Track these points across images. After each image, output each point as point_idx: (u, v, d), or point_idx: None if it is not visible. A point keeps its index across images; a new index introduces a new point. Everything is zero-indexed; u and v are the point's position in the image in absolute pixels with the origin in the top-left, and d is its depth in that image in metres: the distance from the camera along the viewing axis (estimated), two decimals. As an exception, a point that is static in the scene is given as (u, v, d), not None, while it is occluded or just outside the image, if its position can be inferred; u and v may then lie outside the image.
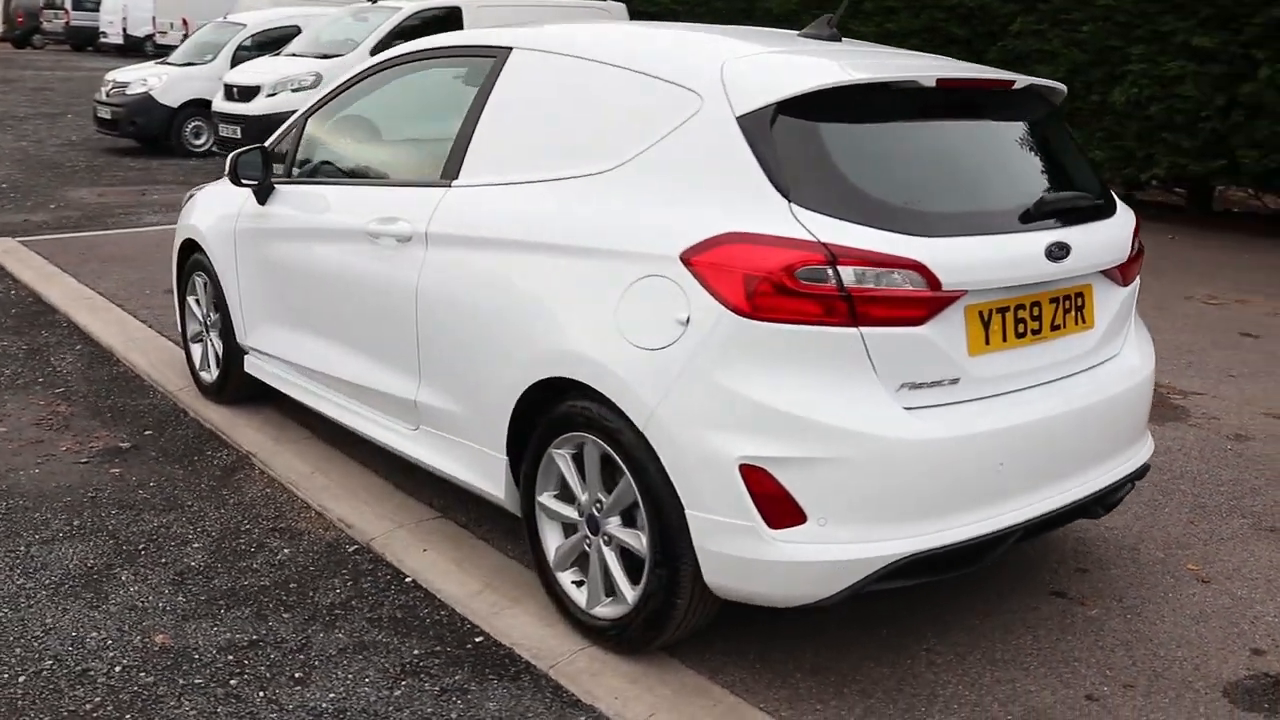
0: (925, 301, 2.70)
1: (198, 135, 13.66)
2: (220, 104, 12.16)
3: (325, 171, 4.31)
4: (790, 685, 2.98)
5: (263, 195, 4.42)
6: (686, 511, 2.75)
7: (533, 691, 2.98)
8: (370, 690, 2.99)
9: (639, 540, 2.91)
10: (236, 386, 4.93)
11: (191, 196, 5.26)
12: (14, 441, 4.73)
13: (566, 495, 3.17)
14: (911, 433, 2.69)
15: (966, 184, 2.97)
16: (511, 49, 3.52)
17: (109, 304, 6.73)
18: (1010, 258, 2.86)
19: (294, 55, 12.55)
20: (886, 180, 2.83)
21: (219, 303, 4.86)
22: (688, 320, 2.73)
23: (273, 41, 14.43)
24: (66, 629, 3.28)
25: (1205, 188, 11.04)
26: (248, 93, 11.80)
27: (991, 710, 2.89)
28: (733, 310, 2.67)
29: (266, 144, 4.51)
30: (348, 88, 4.23)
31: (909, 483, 2.71)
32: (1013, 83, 3.17)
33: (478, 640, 3.23)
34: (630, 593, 2.97)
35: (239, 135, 11.78)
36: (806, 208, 2.70)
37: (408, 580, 3.58)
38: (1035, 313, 2.98)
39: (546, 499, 3.20)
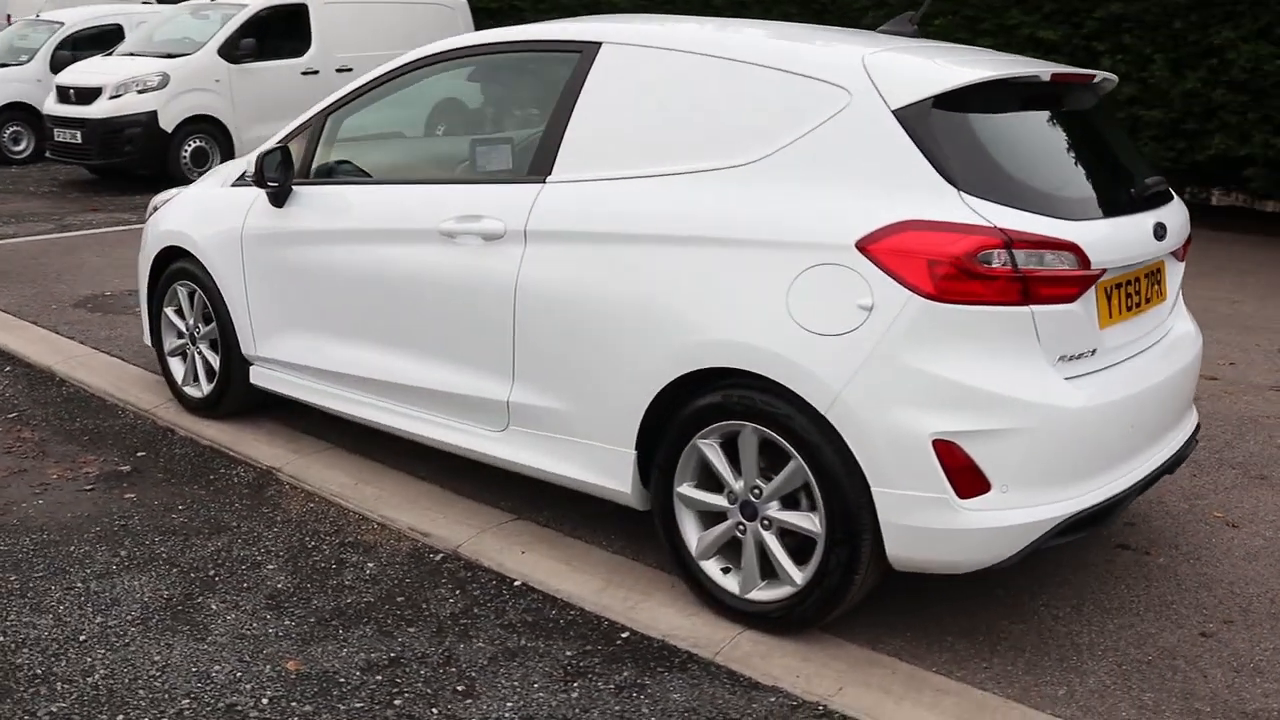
0: (1080, 280, 2.90)
1: (17, 141, 12.65)
2: (53, 107, 11.29)
3: (362, 172, 4.17)
4: (947, 648, 3.13)
5: (281, 198, 4.23)
6: (873, 489, 2.86)
7: (709, 679, 3.01)
8: (546, 695, 2.95)
9: (811, 521, 2.99)
10: (236, 400, 4.69)
11: (165, 202, 4.96)
12: (-8, 473, 4.36)
13: (709, 485, 3.21)
14: (1074, 401, 2.89)
15: (1081, 170, 3.19)
16: (600, 44, 3.51)
17: (21, 321, 6.23)
18: (1133, 238, 3.10)
19: (132, 55, 11.79)
20: (1029, 168, 3.01)
21: (212, 313, 4.60)
22: (871, 306, 2.83)
23: (91, 40, 13.53)
24: (183, 665, 3.08)
25: None
26: (87, 95, 11.01)
27: (1130, 654, 3.13)
28: (919, 294, 2.79)
29: (271, 145, 4.32)
30: (379, 85, 4.08)
31: (1072, 447, 2.91)
32: (1093, 76, 3.42)
33: (624, 636, 3.23)
34: (798, 573, 3.05)
35: (79, 140, 11.01)
36: (974, 195, 2.85)
37: (517, 584, 3.52)
38: (1137, 288, 3.24)
39: (686, 489, 3.23)
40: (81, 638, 3.20)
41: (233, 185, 4.58)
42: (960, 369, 2.80)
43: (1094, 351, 3.02)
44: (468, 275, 3.62)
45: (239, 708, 2.89)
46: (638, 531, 3.76)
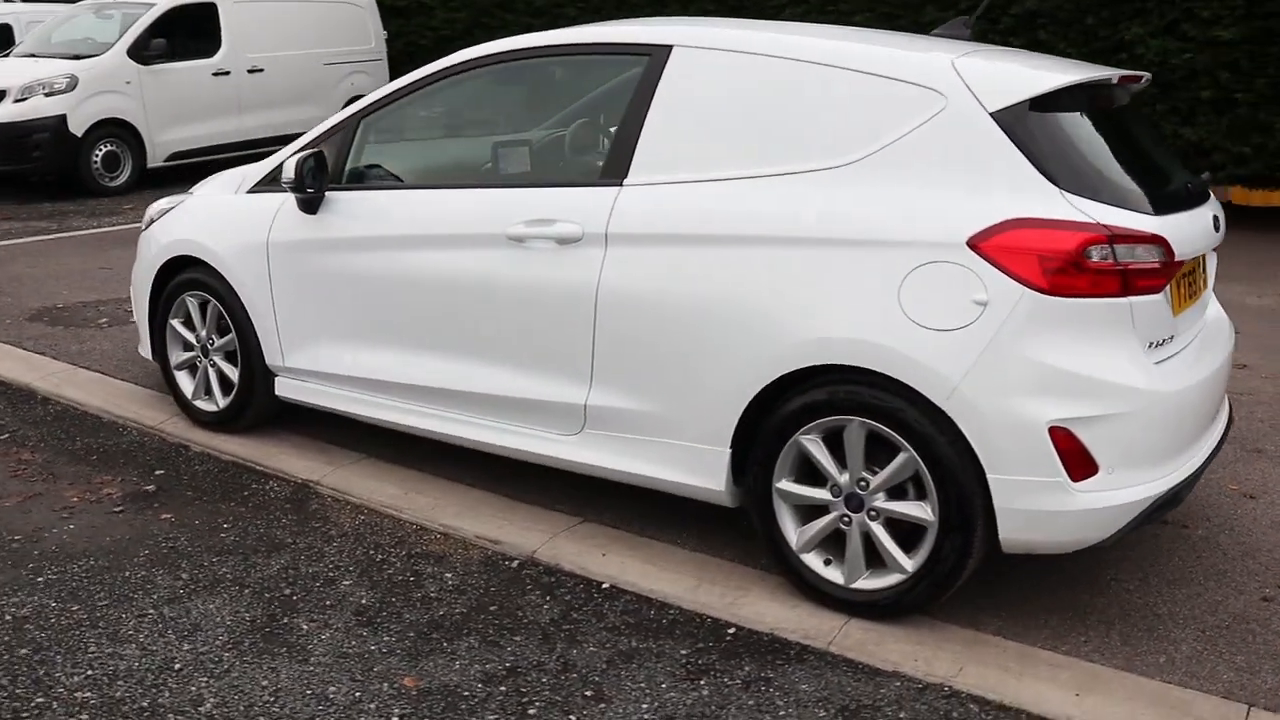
0: (1167, 271, 3.06)
1: (-98, 147, 11.90)
2: (-52, 110, 10.67)
3: (403, 177, 4.10)
4: (1044, 625, 3.27)
5: (315, 205, 4.13)
6: (989, 476, 2.97)
7: (829, 668, 3.08)
8: (677, 694, 2.97)
9: (923, 510, 3.08)
10: (258, 413, 4.57)
11: (164, 211, 4.78)
12: (4, 498, 4.14)
13: (806, 479, 3.29)
14: (1168, 385, 3.06)
15: (1146, 166, 3.36)
16: (671, 47, 3.54)
17: (-18, 339, 5.92)
18: (1200, 229, 3.28)
19: (32, 56, 11.22)
20: (1111, 166, 3.16)
21: (230, 325, 4.47)
22: (986, 301, 2.94)
23: (-27, 40, 12.85)
24: (295, 688, 3.00)
25: None
26: (-13, 97, 10.45)
27: (1207, 620, 3.31)
28: (1032, 288, 2.91)
29: (303, 149, 4.23)
30: (421, 88, 4.01)
31: (1164, 429, 3.07)
32: (1141, 77, 3.61)
33: (731, 632, 3.27)
34: (908, 561, 3.14)
35: (-20, 145, 10.44)
36: (1073, 193, 2.98)
37: (606, 586, 3.53)
38: (1194, 278, 3.43)
39: (785, 485, 3.29)
40: (176, 666, 3.10)
41: (249, 192, 4.46)
42: (1071, 358, 2.93)
43: (1171, 338, 3.20)
44: (540, 279, 3.61)
45: None
46: (708, 529, 3.81)
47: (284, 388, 4.44)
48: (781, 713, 2.89)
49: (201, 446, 4.62)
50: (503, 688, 3.01)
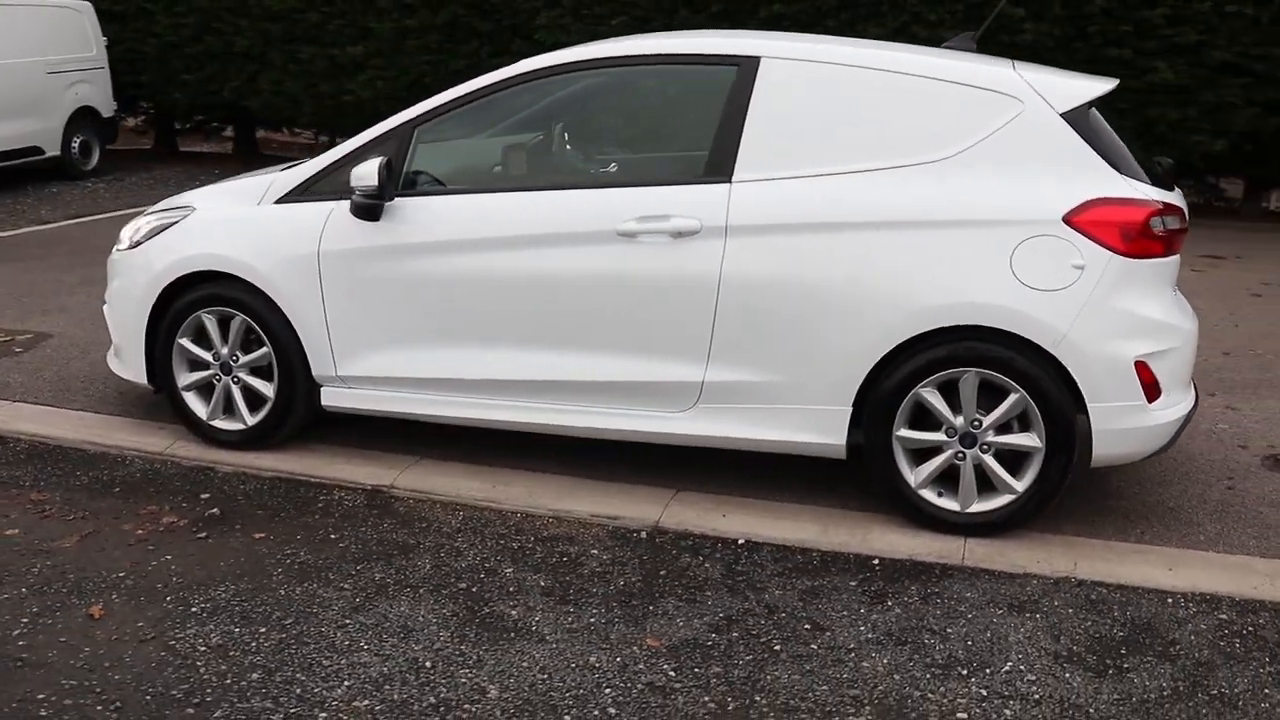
0: (1183, 233, 3.92)
1: None
2: None
3: (480, 181, 4.25)
4: (1105, 527, 4.05)
5: (377, 212, 4.20)
6: (1089, 405, 3.69)
7: (976, 578, 3.70)
8: (879, 615, 3.47)
9: (1032, 439, 3.77)
10: (295, 427, 4.53)
11: (151, 231, 4.57)
12: (53, 540, 3.90)
13: (921, 425, 3.88)
14: (1193, 324, 3.94)
15: (1134, 153, 4.22)
16: (759, 59, 3.98)
17: None
18: (1181, 200, 4.19)
19: None
20: (1130, 154, 3.97)
21: (264, 338, 4.40)
22: (1083, 265, 3.66)
23: None
24: (559, 664, 3.21)
25: None
26: None
27: (1205, 506, 4.22)
28: (1116, 253, 3.67)
29: (339, 156, 4.27)
30: (488, 95, 4.19)
31: (1191, 358, 3.95)
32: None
33: (877, 563, 3.81)
34: (1018, 484, 3.82)
35: None
36: (1128, 176, 3.77)
37: (741, 542, 3.94)
38: (1176, 239, 4.34)
39: (904, 432, 3.87)
40: (427, 664, 3.21)
41: (277, 203, 4.41)
42: (1144, 306, 3.72)
43: (1176, 289, 4.08)
44: (654, 270, 3.95)
45: (656, 683, 3.13)
46: (797, 483, 4.31)
47: (332, 397, 4.44)
48: (968, 615, 3.48)
49: (231, 466, 4.51)
50: (734, 633, 3.39)
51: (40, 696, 3.01)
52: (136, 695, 3.02)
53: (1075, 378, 3.70)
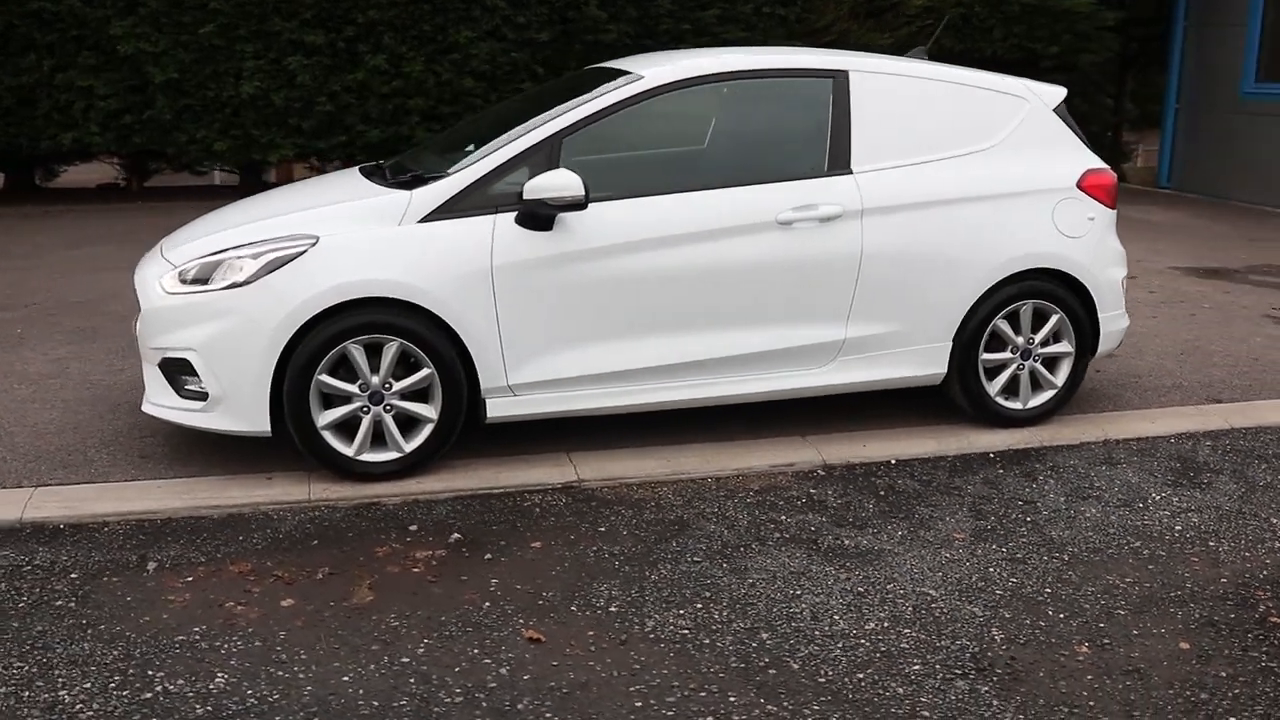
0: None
1: None
2: None
3: (637, 186, 4.54)
4: (1105, 406, 5.53)
5: (550, 222, 4.39)
6: (1100, 315, 5.15)
7: (1053, 453, 4.97)
8: (1051, 486, 4.62)
9: (1066, 346, 5.12)
10: (450, 446, 4.51)
11: (266, 266, 4.25)
12: (347, 598, 3.69)
13: (995, 348, 5.06)
14: (1112, 253, 5.60)
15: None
16: (848, 71, 4.85)
17: None
18: None
19: None
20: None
21: (425, 360, 4.34)
22: (1093, 217, 5.09)
23: None
24: (929, 567, 3.95)
25: (256, 168, 12.98)
26: None
27: (1176, 383, 5.94)
28: (1106, 207, 5.15)
29: (486, 171, 4.39)
30: (624, 107, 4.54)
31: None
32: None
33: (993, 456, 4.92)
34: (1057, 380, 5.16)
35: None
36: (1092, 151, 5.27)
37: (893, 462, 4.83)
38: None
39: (985, 355, 5.02)
40: (849, 584, 3.77)
41: (422, 221, 4.36)
42: (1117, 243, 5.27)
43: None
44: (807, 251, 4.68)
45: (1024, 591, 3.95)
46: (874, 415, 5.26)
47: (499, 408, 4.50)
48: (1075, 472, 4.76)
49: (398, 497, 4.38)
50: (991, 519, 4.33)
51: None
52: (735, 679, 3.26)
53: (1094, 297, 5.14)
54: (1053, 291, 5.07)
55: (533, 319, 4.44)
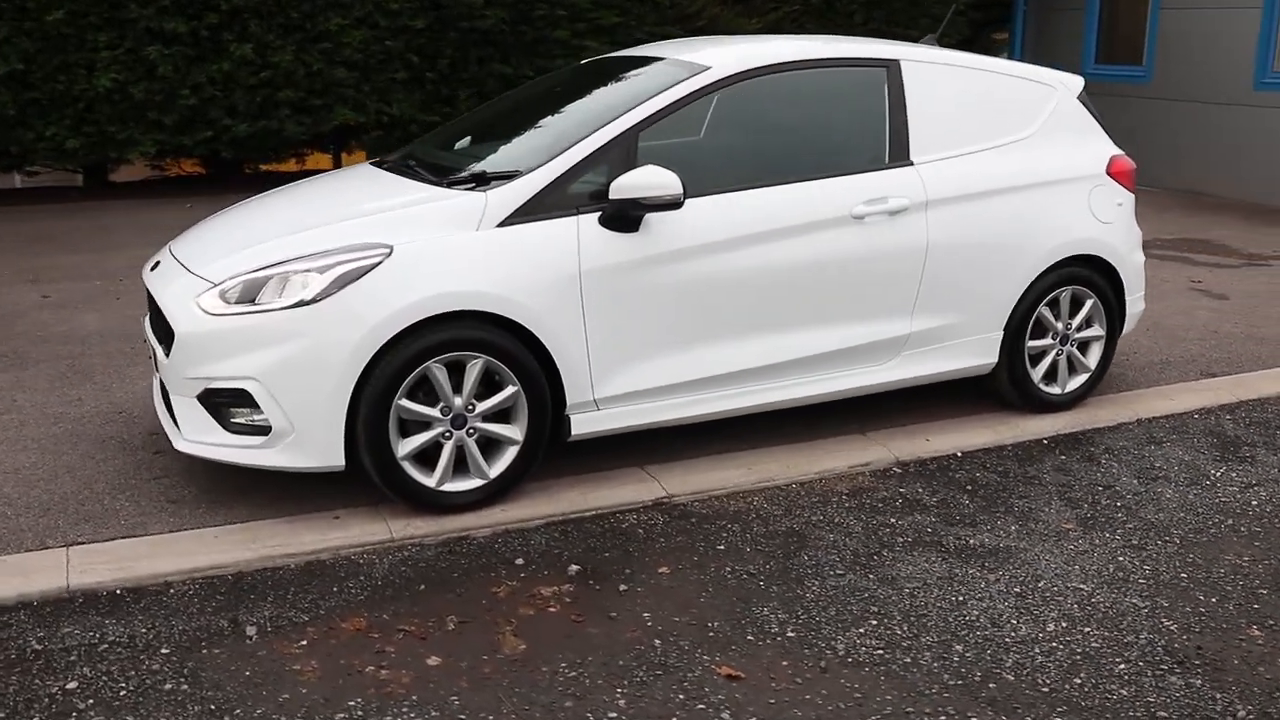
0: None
1: None
2: None
3: (712, 182, 4.27)
4: (1139, 384, 5.63)
5: (637, 223, 4.10)
6: (1126, 296, 5.23)
7: (1113, 432, 5.04)
8: (1116, 469, 4.67)
9: (1098, 330, 5.17)
10: (534, 469, 4.16)
11: (359, 270, 3.78)
12: (493, 650, 3.34)
13: (1037, 335, 5.06)
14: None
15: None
16: (899, 60, 4.73)
17: None
18: None
19: None
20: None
21: (510, 378, 3.98)
22: (1121, 203, 5.16)
23: None
24: (1062, 557, 3.91)
25: (102, 167, 11.94)
26: None
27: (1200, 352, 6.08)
28: (1130, 191, 5.24)
29: (564, 170, 4.07)
30: (693, 100, 4.28)
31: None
32: None
33: (1046, 441, 4.94)
34: (1090, 363, 5.20)
35: None
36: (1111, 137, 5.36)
37: (960, 455, 4.77)
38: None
39: (1030, 342, 5.02)
40: (1008, 585, 3.68)
41: (502, 225, 4.00)
42: (1137, 227, 5.38)
43: None
44: (878, 245, 4.54)
45: (1163, 577, 3.99)
46: (918, 408, 5.19)
47: (584, 425, 4.18)
48: (1129, 453, 4.83)
49: (487, 528, 4.00)
50: (1085, 505, 4.33)
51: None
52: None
53: (1123, 280, 5.23)
54: (1089, 277, 5.12)
55: (619, 327, 4.14)
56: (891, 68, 4.76)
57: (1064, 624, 3.48)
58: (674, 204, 4.04)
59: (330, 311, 3.77)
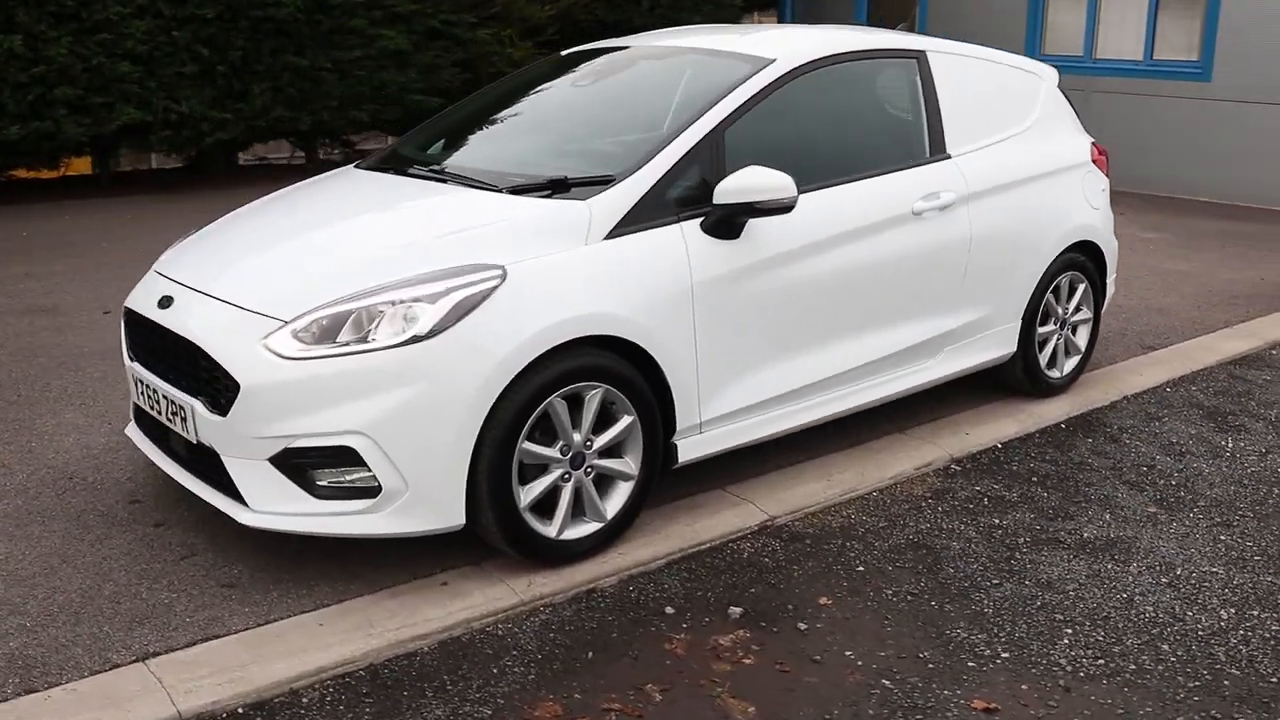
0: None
1: None
2: None
3: (801, 178, 3.99)
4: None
5: (739, 228, 3.80)
6: (1107, 279, 5.40)
7: (1110, 412, 5.18)
8: (1143, 450, 4.80)
9: (1087, 313, 5.30)
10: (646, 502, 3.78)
11: (476, 297, 3.27)
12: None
13: (1043, 321, 5.13)
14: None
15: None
16: (925, 51, 4.63)
17: None
18: None
19: None
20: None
21: (626, 407, 3.59)
22: (1104, 188, 5.30)
23: None
24: (1174, 539, 3.96)
25: None
26: None
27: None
28: (1107, 177, 5.40)
29: (661, 174, 3.73)
30: (766, 95, 3.99)
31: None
32: None
33: (1063, 425, 5.01)
34: (1081, 344, 5.32)
35: None
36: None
37: (1008, 443, 4.77)
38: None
39: (1041, 328, 5.07)
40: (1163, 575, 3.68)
41: (609, 238, 3.59)
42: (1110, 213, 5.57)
43: None
44: (932, 240, 4.45)
45: (1271, 551, 4.07)
46: (926, 407, 5.15)
47: (690, 450, 3.83)
48: (1140, 430, 5.00)
49: (612, 576, 3.60)
50: (1157, 475, 4.44)
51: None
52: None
53: (1108, 263, 5.40)
54: (1084, 262, 5.25)
55: (725, 341, 3.83)
56: (920, 59, 4.67)
57: (1232, 611, 3.51)
58: (786, 208, 3.75)
59: (449, 347, 3.24)
